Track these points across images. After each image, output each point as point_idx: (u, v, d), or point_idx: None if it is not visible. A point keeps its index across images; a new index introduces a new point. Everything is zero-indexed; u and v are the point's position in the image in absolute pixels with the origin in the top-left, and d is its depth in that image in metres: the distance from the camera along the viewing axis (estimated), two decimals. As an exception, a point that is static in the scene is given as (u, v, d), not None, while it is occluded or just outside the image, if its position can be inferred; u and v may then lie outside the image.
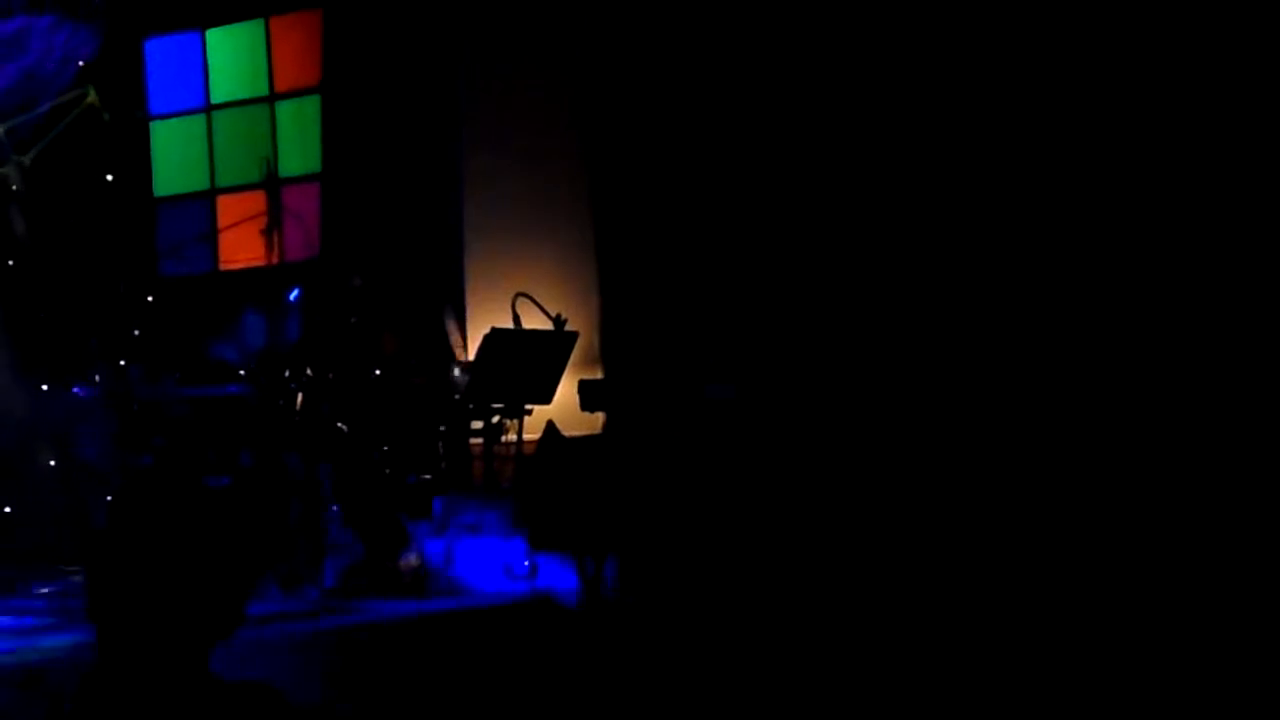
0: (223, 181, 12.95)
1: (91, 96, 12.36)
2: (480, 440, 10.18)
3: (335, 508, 9.74)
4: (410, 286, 11.43)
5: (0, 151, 12.35)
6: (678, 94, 11.29)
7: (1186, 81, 9.31)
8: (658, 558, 9.07)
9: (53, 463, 11.44)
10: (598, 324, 11.48)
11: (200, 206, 13.04)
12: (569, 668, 7.59)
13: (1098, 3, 9.67)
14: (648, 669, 7.43)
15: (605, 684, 7.33)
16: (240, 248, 12.42)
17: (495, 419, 10.06)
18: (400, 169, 12.16)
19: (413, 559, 9.59)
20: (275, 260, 11.64)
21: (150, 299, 12.35)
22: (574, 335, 10.06)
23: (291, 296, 10.90)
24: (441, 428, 10.13)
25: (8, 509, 11.77)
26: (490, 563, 9.55)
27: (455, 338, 10.79)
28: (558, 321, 9.97)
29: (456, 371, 10.53)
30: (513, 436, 10.00)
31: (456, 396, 10.14)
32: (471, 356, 10.34)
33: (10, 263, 12.34)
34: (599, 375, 11.12)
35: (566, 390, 10.10)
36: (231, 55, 12.95)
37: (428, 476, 10.05)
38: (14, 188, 12.41)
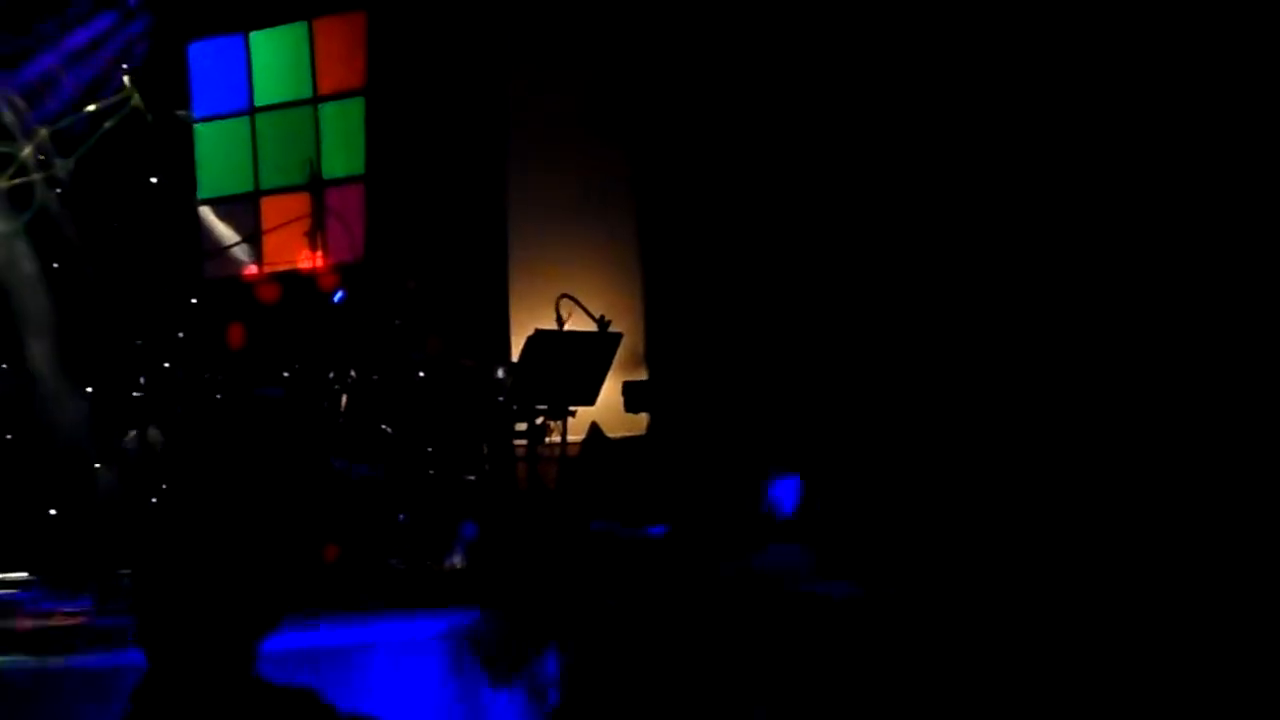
0: (266, 184, 13.05)
1: (135, 99, 12.52)
2: (524, 442, 10.24)
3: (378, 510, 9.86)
4: (454, 288, 11.56)
5: (45, 154, 12.53)
6: (720, 94, 11.40)
7: (1208, 79, 9.38)
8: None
9: (98, 465, 11.61)
10: (642, 325, 11.57)
11: (244, 208, 13.13)
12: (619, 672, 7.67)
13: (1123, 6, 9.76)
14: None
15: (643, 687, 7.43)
16: (284, 250, 12.54)
17: (539, 420, 10.11)
18: (444, 170, 12.24)
19: (456, 560, 9.69)
20: (319, 262, 11.79)
21: (194, 301, 12.48)
22: (618, 336, 10.12)
23: (336, 298, 11.01)
24: (485, 429, 10.25)
25: (53, 510, 11.97)
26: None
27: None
28: (601, 322, 10.04)
29: (500, 372, 10.64)
30: (556, 438, 10.05)
31: (500, 398, 10.25)
32: (515, 358, 10.45)
33: (55, 265, 12.50)
34: (643, 376, 11.23)
35: (610, 391, 10.19)
36: (275, 58, 13.04)
37: (471, 478, 10.18)
38: (59, 190, 12.58)
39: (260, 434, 10.48)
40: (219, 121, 13.27)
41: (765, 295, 11.03)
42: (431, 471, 10.06)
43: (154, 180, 12.73)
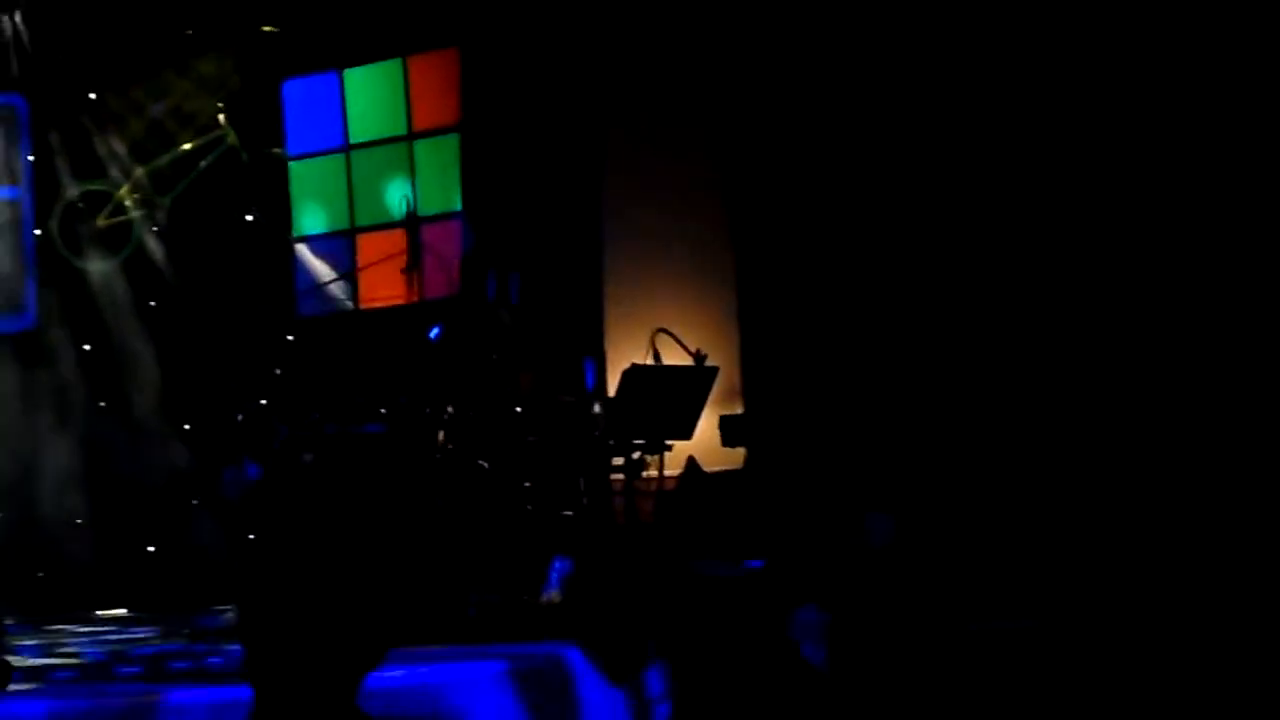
0: (362, 220, 13.12)
1: (231, 137, 12.74)
2: (621, 476, 10.34)
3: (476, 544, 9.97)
4: (550, 323, 11.68)
5: (142, 193, 12.76)
6: (818, 124, 11.47)
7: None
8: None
9: (195, 502, 11.80)
10: (738, 359, 11.61)
11: (340, 245, 13.25)
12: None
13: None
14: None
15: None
16: (380, 286, 12.67)
17: (636, 455, 10.20)
18: (540, 205, 12.31)
19: (554, 596, 9.79)
20: (415, 298, 11.92)
21: (290, 338, 12.63)
22: (714, 370, 10.22)
23: (432, 335, 11.14)
24: (582, 464, 10.35)
25: (151, 548, 12.18)
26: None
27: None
28: (698, 357, 10.12)
29: (596, 408, 10.74)
30: (653, 472, 10.16)
31: (596, 433, 10.35)
32: (611, 393, 10.55)
33: (152, 303, 12.73)
34: (739, 410, 11.29)
35: (707, 426, 10.31)
36: (370, 95, 13.13)
37: (568, 513, 10.29)
38: (156, 229, 12.80)
39: (361, 470, 10.60)
40: (314, 159, 13.38)
41: (862, 328, 11.10)
42: (529, 507, 10.17)
43: (250, 218, 12.96)
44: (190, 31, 12.78)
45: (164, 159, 12.79)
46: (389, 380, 11.62)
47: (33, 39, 12.62)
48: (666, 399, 10.03)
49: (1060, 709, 7.75)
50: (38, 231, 12.86)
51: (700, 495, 9.88)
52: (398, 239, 12.33)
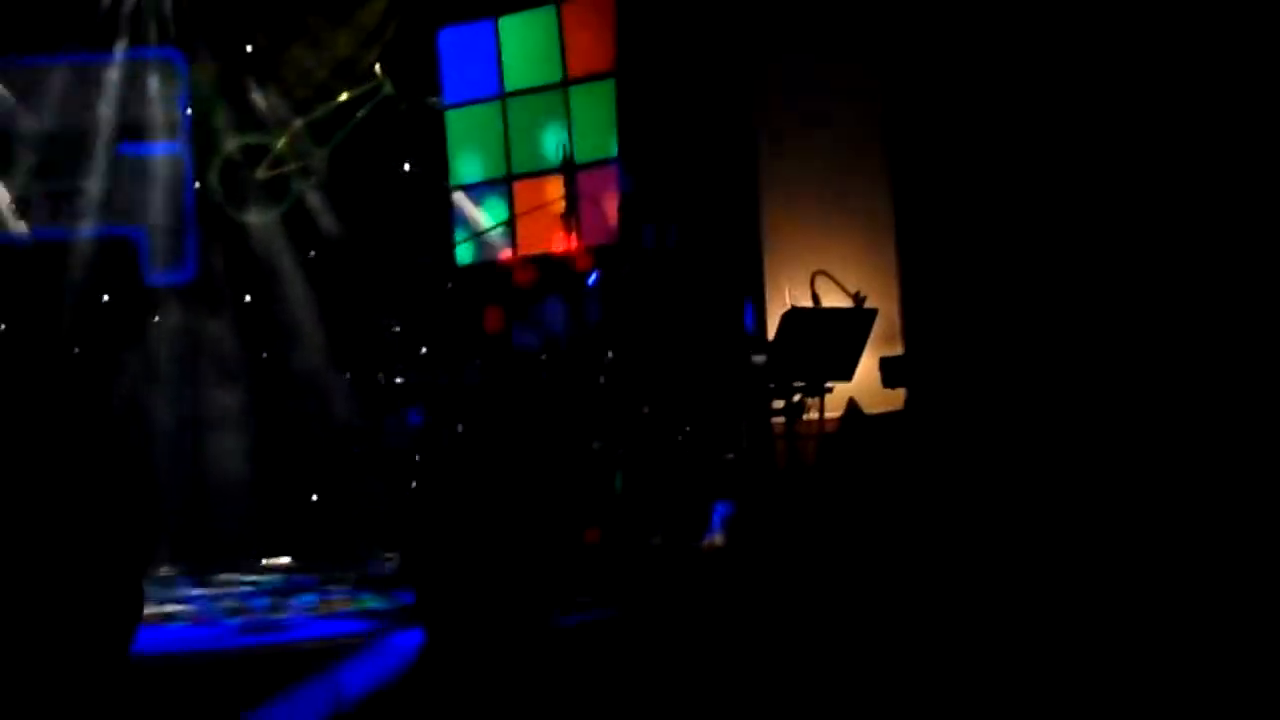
0: (518, 168, 13.24)
1: (387, 87, 12.92)
2: (782, 419, 10.44)
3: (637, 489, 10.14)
4: (708, 266, 11.82)
5: (300, 145, 12.98)
6: (977, 57, 11.49)
7: None
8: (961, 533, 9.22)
9: (356, 450, 11.99)
10: (898, 299, 11.71)
11: (498, 193, 13.35)
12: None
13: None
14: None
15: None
16: (538, 234, 12.81)
17: (796, 398, 10.31)
18: (697, 149, 12.36)
19: (716, 539, 9.94)
20: (573, 245, 12.06)
21: (449, 286, 12.80)
22: (873, 312, 10.32)
23: (590, 281, 11.29)
24: (742, 407, 10.49)
25: (315, 496, 12.43)
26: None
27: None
28: (857, 298, 10.25)
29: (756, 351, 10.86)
30: (814, 415, 10.26)
31: (757, 376, 10.48)
32: (771, 336, 10.66)
33: (313, 254, 12.94)
34: (900, 351, 11.36)
35: (867, 367, 10.39)
36: (524, 42, 13.23)
37: (730, 456, 10.44)
38: (314, 180, 13.01)
39: (522, 417, 10.78)
40: (470, 107, 13.47)
41: (1023, 266, 11.11)
42: (690, 450, 10.31)
43: (407, 167, 13.13)
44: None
45: (322, 110, 12.95)
46: (548, 327, 11.78)
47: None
48: (826, 341, 10.14)
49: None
50: (197, 185, 13.07)
51: (861, 437, 9.94)
52: (554, 186, 12.43)
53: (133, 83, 12.94)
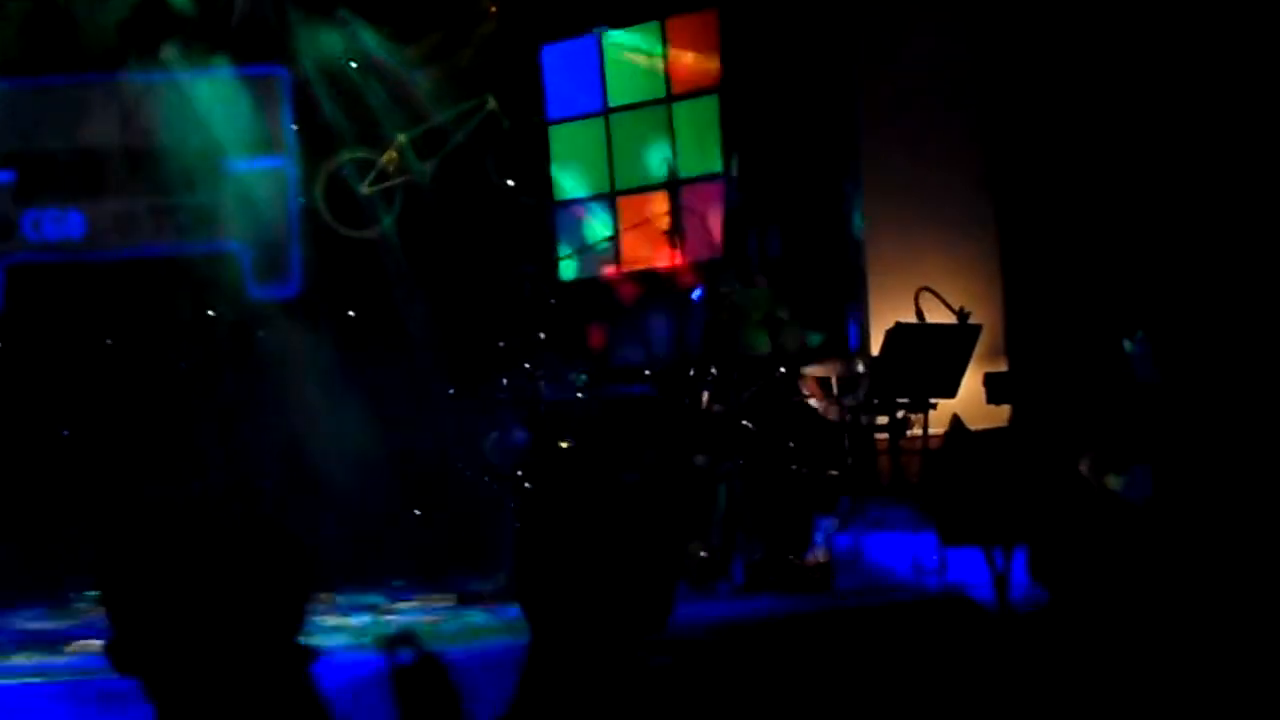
0: (622, 184, 13.40)
1: (491, 103, 13.08)
2: (885, 435, 10.61)
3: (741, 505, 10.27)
4: (813, 282, 11.93)
5: (405, 160, 13.14)
6: (1078, 73, 11.55)
7: None
8: (1071, 552, 9.23)
9: (460, 464, 12.08)
10: (1002, 315, 11.76)
11: (600, 209, 13.52)
12: (983, 667, 7.87)
13: None
14: (1060, 671, 7.68)
15: (1017, 685, 7.58)
16: (642, 249, 12.99)
17: (900, 414, 10.47)
18: (800, 164, 12.47)
19: (819, 554, 10.04)
20: (677, 261, 12.20)
21: (553, 301, 12.92)
22: (978, 328, 10.44)
23: (695, 296, 11.38)
24: (846, 423, 10.59)
25: (418, 511, 12.54)
26: (897, 558, 9.80)
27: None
28: (961, 315, 10.38)
29: (859, 368, 10.99)
30: (918, 431, 10.38)
31: (860, 392, 10.62)
32: (875, 352, 10.80)
33: (416, 269, 13.06)
34: (1004, 367, 11.43)
35: (971, 383, 10.54)
36: (628, 58, 13.39)
37: (834, 472, 10.59)
38: (418, 195, 13.17)
39: (626, 433, 10.84)
40: (574, 123, 13.68)
41: (1129, 282, 11.14)
42: (794, 466, 10.44)
43: (511, 183, 13.28)
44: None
45: (426, 125, 13.10)
46: (652, 343, 11.89)
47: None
48: (930, 357, 10.28)
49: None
50: (302, 200, 13.24)
51: (966, 453, 10.01)
52: (658, 201, 12.68)
53: (238, 99, 13.10)
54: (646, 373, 11.62)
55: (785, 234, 12.18)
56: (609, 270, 13.37)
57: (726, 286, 11.05)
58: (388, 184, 13.14)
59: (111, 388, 12.62)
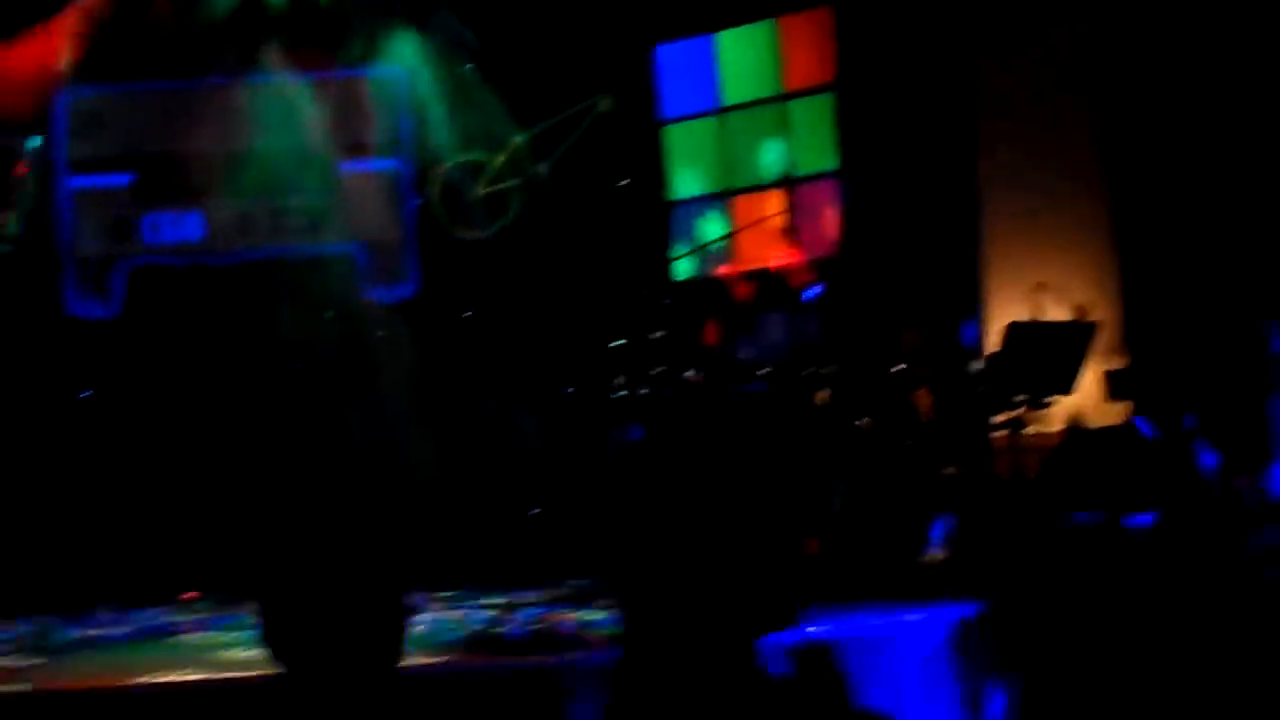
0: (738, 182, 13.53)
1: (605, 103, 13.22)
2: (1003, 433, 10.66)
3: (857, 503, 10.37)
4: (929, 280, 12.02)
5: (520, 161, 13.28)
6: (1196, 68, 11.59)
7: None
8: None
9: (579, 465, 12.19)
10: (1120, 312, 11.78)
11: (716, 208, 13.64)
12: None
13: None
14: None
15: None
16: (757, 248, 13.04)
17: (1018, 411, 10.55)
18: (916, 162, 12.51)
19: (936, 554, 10.22)
20: (794, 259, 12.32)
21: (668, 301, 13.03)
22: (1094, 325, 10.53)
23: (811, 294, 11.50)
24: (964, 422, 10.69)
25: (536, 509, 12.66)
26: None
27: None
28: (1079, 312, 10.49)
29: (976, 366, 11.07)
30: (1035, 428, 10.47)
31: (978, 390, 10.73)
32: (992, 350, 10.91)
33: (532, 269, 13.21)
34: (1122, 364, 11.43)
35: (1088, 380, 10.60)
36: (743, 56, 13.50)
37: (951, 470, 10.72)
38: (533, 196, 13.31)
39: (743, 431, 10.94)
40: (689, 122, 13.82)
41: (1246, 277, 11.17)
42: (911, 465, 10.54)
43: (625, 182, 13.42)
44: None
45: (541, 127, 13.19)
46: (767, 341, 11.96)
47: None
48: (1047, 355, 10.35)
49: None
50: (418, 201, 13.40)
51: (1084, 451, 10.06)
52: (774, 200, 12.81)
53: (355, 100, 13.35)
54: (762, 371, 11.68)
55: (902, 231, 12.26)
56: (724, 269, 13.42)
57: (844, 285, 11.11)
58: (503, 185, 13.26)
59: (228, 390, 12.82)
